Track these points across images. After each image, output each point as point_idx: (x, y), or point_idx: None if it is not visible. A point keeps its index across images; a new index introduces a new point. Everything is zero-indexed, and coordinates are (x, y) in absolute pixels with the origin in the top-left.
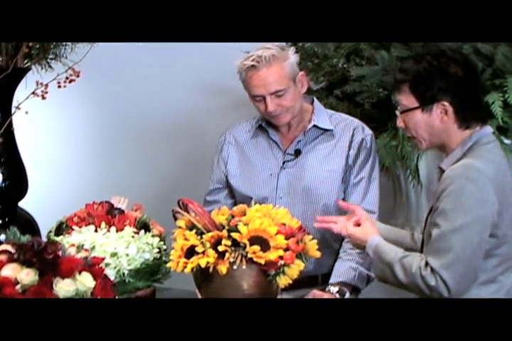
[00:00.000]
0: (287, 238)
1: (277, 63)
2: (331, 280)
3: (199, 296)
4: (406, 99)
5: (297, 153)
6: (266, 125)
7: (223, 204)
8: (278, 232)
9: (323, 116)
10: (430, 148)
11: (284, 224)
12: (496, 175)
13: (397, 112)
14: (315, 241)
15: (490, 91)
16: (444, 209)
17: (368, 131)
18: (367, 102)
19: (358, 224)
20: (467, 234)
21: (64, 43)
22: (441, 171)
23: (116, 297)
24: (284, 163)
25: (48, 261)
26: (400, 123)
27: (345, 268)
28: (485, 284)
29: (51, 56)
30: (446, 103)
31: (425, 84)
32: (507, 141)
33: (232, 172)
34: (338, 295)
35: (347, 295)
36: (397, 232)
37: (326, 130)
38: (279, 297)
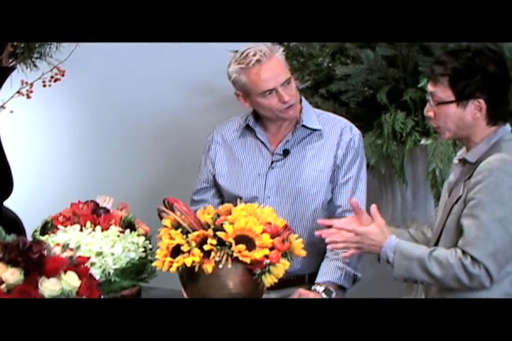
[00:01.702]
0: (273, 237)
1: (274, 55)
2: (318, 280)
3: (185, 295)
4: (442, 91)
5: (285, 153)
6: (253, 124)
7: (210, 203)
8: (263, 231)
9: (312, 116)
10: (452, 139)
11: (270, 223)
12: None
13: (430, 102)
14: (300, 240)
15: None
16: (481, 200)
17: (356, 131)
18: (352, 101)
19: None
20: (505, 225)
21: (49, 42)
22: (464, 163)
23: (102, 296)
24: (272, 162)
25: (33, 260)
26: (429, 112)
27: (331, 268)
28: None
29: (36, 55)
30: (481, 100)
31: (465, 81)
32: None
33: (220, 171)
34: (324, 295)
35: (333, 295)
36: (394, 231)
37: (314, 130)
38: (265, 296)
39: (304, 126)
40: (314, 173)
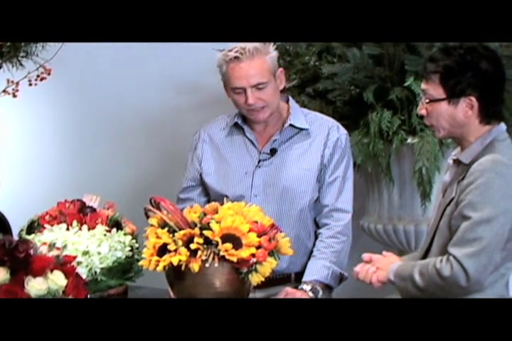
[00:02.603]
0: (259, 236)
1: (260, 56)
2: (304, 279)
3: (171, 295)
4: (434, 89)
5: (273, 152)
6: (242, 123)
7: (196, 202)
8: (250, 230)
9: (299, 115)
10: (446, 137)
11: (257, 222)
12: None
13: (422, 100)
14: (287, 238)
15: None
16: (472, 201)
17: (343, 131)
18: (339, 100)
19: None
20: (494, 226)
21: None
22: (458, 163)
23: (89, 295)
24: (259, 161)
25: (19, 259)
26: (421, 110)
27: (318, 267)
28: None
29: (22, 54)
30: (473, 98)
31: (456, 78)
32: None
33: (207, 170)
34: (311, 294)
35: (320, 294)
36: (415, 256)
37: (301, 129)
38: (251, 295)
39: (291, 125)
40: (301, 172)
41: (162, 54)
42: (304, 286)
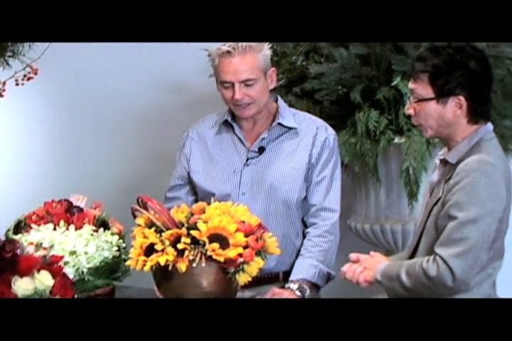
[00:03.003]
0: (247, 235)
1: (252, 53)
2: (292, 278)
3: (158, 294)
4: (422, 88)
5: (261, 150)
6: (232, 120)
7: (184, 200)
8: (237, 230)
9: (288, 115)
10: (434, 137)
11: (244, 222)
12: (504, 170)
13: (410, 99)
14: (274, 238)
15: None
16: (458, 201)
17: (331, 131)
18: (326, 100)
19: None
20: (480, 226)
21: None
22: (445, 163)
23: (76, 295)
24: (247, 159)
25: (6, 259)
26: (409, 110)
27: (305, 266)
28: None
29: (9, 53)
30: (462, 97)
31: (445, 77)
32: None
33: (195, 168)
34: (298, 292)
35: (307, 293)
36: (402, 256)
37: (290, 128)
38: (239, 294)
39: (280, 124)
40: (288, 170)
41: (150, 54)
42: (291, 285)
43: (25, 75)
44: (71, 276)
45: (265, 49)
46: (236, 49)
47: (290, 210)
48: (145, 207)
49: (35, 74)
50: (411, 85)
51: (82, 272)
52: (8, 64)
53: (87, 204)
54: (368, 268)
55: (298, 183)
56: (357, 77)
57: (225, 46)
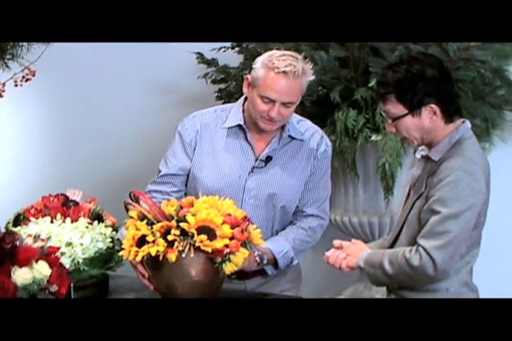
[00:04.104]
0: (232, 227)
1: (302, 78)
2: (263, 244)
3: (145, 282)
4: (394, 108)
5: (268, 159)
6: (246, 127)
7: (179, 189)
8: (224, 222)
9: (294, 124)
10: (421, 144)
11: (230, 215)
12: (484, 167)
13: (388, 120)
14: (259, 230)
15: None
16: (442, 197)
17: (329, 142)
18: (307, 100)
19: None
20: (461, 220)
21: (20, 44)
22: (427, 159)
23: (72, 284)
24: (253, 167)
25: (6, 250)
26: (390, 128)
27: (279, 242)
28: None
29: (8, 56)
30: (433, 105)
31: (410, 92)
32: None
33: (199, 163)
34: (258, 258)
35: (264, 262)
36: (381, 243)
37: (297, 139)
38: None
39: (289, 136)
40: (292, 181)
41: (142, 56)
42: (256, 249)
43: (23, 77)
44: (67, 266)
45: (311, 74)
46: (291, 72)
47: (287, 216)
48: (137, 201)
49: (33, 75)
50: (383, 107)
51: (78, 262)
52: (7, 66)
53: (82, 199)
54: (350, 254)
55: (299, 193)
56: (336, 79)
57: (281, 63)
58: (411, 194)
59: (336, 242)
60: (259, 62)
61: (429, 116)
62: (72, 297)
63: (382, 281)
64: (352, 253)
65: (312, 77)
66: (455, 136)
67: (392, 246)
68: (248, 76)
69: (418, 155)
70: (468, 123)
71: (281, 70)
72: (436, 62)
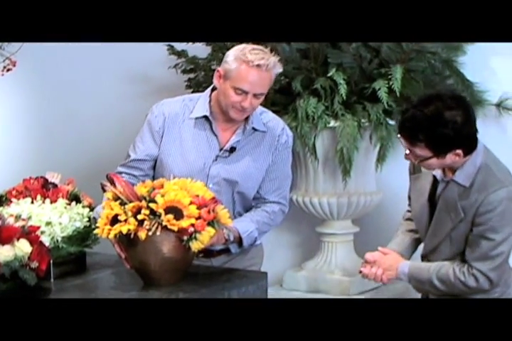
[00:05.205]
0: (199, 208)
1: (272, 70)
2: (231, 223)
3: (122, 256)
4: (421, 150)
5: (232, 150)
6: (212, 117)
7: (147, 174)
8: (191, 203)
9: (258, 117)
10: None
11: (198, 196)
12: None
13: (407, 150)
14: (226, 210)
15: (376, 79)
16: (494, 226)
17: (290, 133)
18: (271, 89)
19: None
20: (510, 240)
21: None
22: (449, 182)
23: (51, 261)
24: (217, 156)
25: None
26: (410, 159)
27: (246, 222)
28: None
29: None
30: (458, 151)
31: (438, 140)
32: (391, 122)
33: (167, 149)
34: (226, 235)
35: (230, 240)
36: (399, 243)
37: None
38: (194, 261)
39: (253, 128)
40: (253, 171)
41: (117, 48)
42: (225, 228)
43: (4, 67)
44: (47, 244)
45: (280, 67)
46: (264, 65)
47: (247, 201)
48: (112, 182)
49: (14, 65)
50: (407, 145)
51: (57, 240)
52: None
53: (61, 181)
54: (386, 269)
55: (259, 181)
56: (297, 69)
57: (255, 56)
58: (443, 216)
59: (368, 257)
60: (231, 56)
61: (453, 158)
62: (52, 272)
63: (429, 292)
64: (387, 266)
65: (280, 70)
66: (476, 159)
67: (427, 255)
68: (220, 68)
69: (437, 177)
70: (481, 143)
71: (255, 64)
72: (465, 105)
